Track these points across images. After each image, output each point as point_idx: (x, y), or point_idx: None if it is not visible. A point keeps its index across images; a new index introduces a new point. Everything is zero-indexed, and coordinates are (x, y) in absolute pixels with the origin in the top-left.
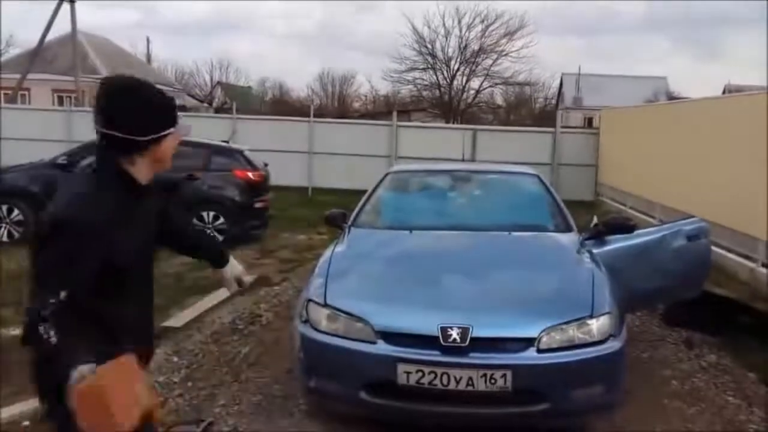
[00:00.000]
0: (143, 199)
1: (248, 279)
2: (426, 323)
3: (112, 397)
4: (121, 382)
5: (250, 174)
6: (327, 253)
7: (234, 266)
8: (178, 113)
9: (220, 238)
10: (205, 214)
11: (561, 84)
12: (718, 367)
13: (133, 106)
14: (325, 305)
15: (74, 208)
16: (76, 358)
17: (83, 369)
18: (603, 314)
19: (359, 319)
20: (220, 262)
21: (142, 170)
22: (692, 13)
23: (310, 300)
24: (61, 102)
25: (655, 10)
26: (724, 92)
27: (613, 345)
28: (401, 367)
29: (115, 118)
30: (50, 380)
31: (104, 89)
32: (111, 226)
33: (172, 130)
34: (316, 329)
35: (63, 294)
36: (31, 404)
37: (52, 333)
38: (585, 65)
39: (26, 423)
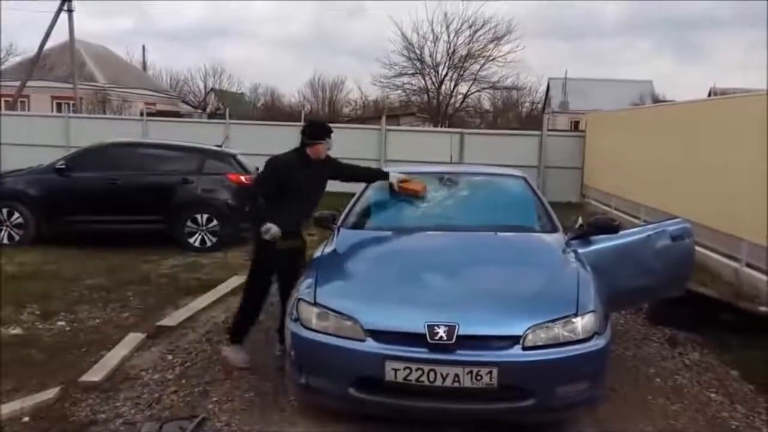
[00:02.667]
0: (312, 165)
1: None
2: (413, 321)
3: None
4: None
5: (242, 177)
6: (317, 253)
7: (393, 175)
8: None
9: (214, 239)
10: (198, 216)
11: (548, 88)
12: (701, 365)
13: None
14: (315, 304)
15: (273, 158)
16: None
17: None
18: (587, 312)
19: (348, 317)
20: (383, 177)
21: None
22: (674, 16)
23: (300, 299)
24: (59, 108)
25: (637, 13)
26: (709, 95)
27: (597, 343)
28: (389, 364)
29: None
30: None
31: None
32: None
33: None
34: (306, 327)
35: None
36: (29, 401)
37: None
38: (569, 69)
39: (26, 419)
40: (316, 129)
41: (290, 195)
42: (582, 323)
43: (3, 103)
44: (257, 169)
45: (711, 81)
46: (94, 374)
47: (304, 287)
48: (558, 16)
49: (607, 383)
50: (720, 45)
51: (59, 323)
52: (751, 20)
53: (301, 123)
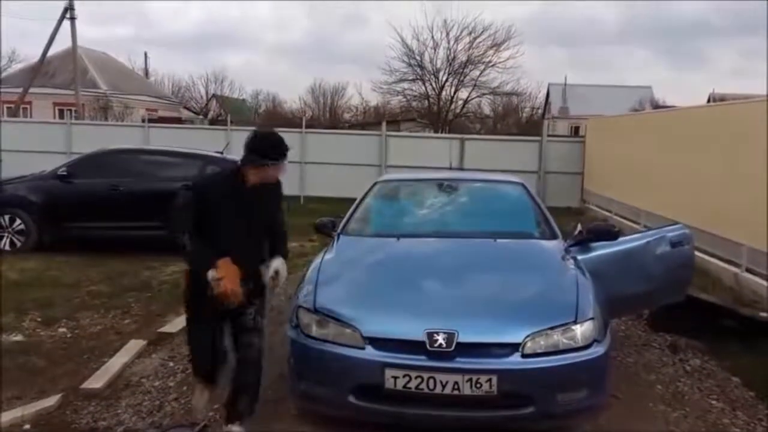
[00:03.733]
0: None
1: (283, 275)
2: (413, 329)
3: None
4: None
5: None
6: (317, 260)
7: (277, 264)
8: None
9: None
10: None
11: (548, 94)
12: (702, 372)
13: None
14: (315, 311)
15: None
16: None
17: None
18: (587, 320)
19: (348, 324)
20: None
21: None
22: (671, 23)
23: (300, 306)
24: (62, 115)
25: (636, 21)
26: (708, 101)
27: (597, 350)
28: (389, 372)
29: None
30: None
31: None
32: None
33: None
34: (306, 335)
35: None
36: (30, 408)
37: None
38: (568, 75)
39: (27, 426)
40: (268, 144)
41: (217, 233)
42: (581, 330)
43: (5, 109)
44: None
45: (708, 87)
46: (96, 381)
47: (304, 294)
48: (556, 23)
49: (608, 390)
50: (716, 52)
51: (61, 330)
52: (746, 28)
53: (303, 130)
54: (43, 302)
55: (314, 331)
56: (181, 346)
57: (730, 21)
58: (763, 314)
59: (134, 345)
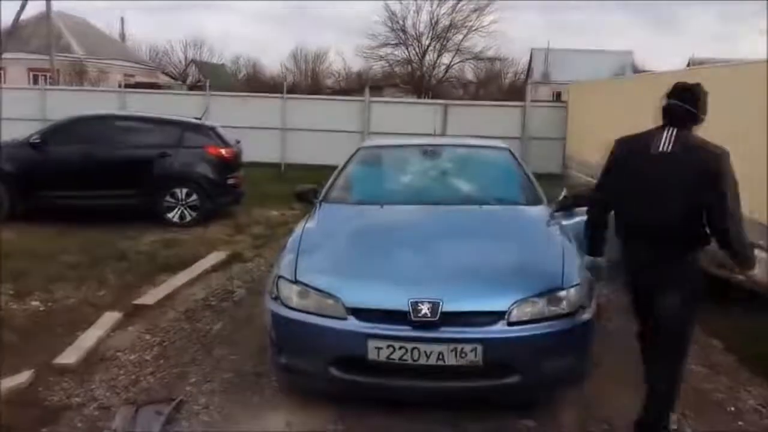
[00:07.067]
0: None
1: None
2: (396, 299)
3: None
4: None
5: (222, 151)
6: (298, 229)
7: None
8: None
9: (194, 214)
10: (178, 190)
11: (530, 59)
12: None
13: None
14: (296, 282)
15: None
16: None
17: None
18: (573, 286)
19: (329, 295)
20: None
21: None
22: None
23: (280, 276)
24: (36, 81)
25: None
26: (688, 65)
27: (581, 317)
28: (372, 343)
29: None
30: None
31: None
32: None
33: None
34: (286, 306)
35: None
36: (2, 385)
37: None
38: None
39: None
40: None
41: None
42: (568, 296)
43: None
44: (238, 142)
45: (686, 51)
46: (69, 356)
47: (284, 264)
48: None
49: (592, 357)
50: (693, 15)
51: (33, 303)
52: None
53: (284, 95)
54: (15, 274)
55: (295, 302)
56: (158, 318)
57: None
58: (739, 276)
59: (109, 318)
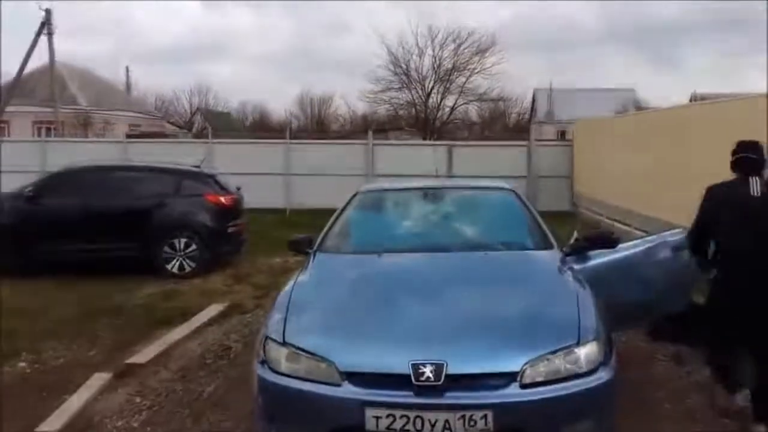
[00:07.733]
0: None
1: None
2: (396, 361)
3: None
4: None
5: (221, 198)
6: (289, 283)
7: None
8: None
9: (193, 264)
10: (176, 241)
11: (534, 98)
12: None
13: None
14: (284, 343)
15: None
16: None
17: None
18: (590, 341)
19: (322, 358)
20: None
21: None
22: (650, 25)
23: (267, 337)
24: (41, 133)
25: (614, 23)
26: (691, 100)
27: (602, 375)
28: (369, 412)
29: None
30: None
31: None
32: None
33: None
34: (274, 371)
35: None
36: None
37: None
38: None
39: None
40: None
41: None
42: (585, 353)
43: None
44: (239, 188)
45: (688, 88)
46: (53, 423)
47: (272, 324)
48: (535, 28)
49: (614, 421)
50: (691, 53)
51: (20, 364)
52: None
53: (288, 140)
54: (4, 333)
55: (284, 366)
56: (149, 377)
57: (707, 21)
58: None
59: (98, 379)
